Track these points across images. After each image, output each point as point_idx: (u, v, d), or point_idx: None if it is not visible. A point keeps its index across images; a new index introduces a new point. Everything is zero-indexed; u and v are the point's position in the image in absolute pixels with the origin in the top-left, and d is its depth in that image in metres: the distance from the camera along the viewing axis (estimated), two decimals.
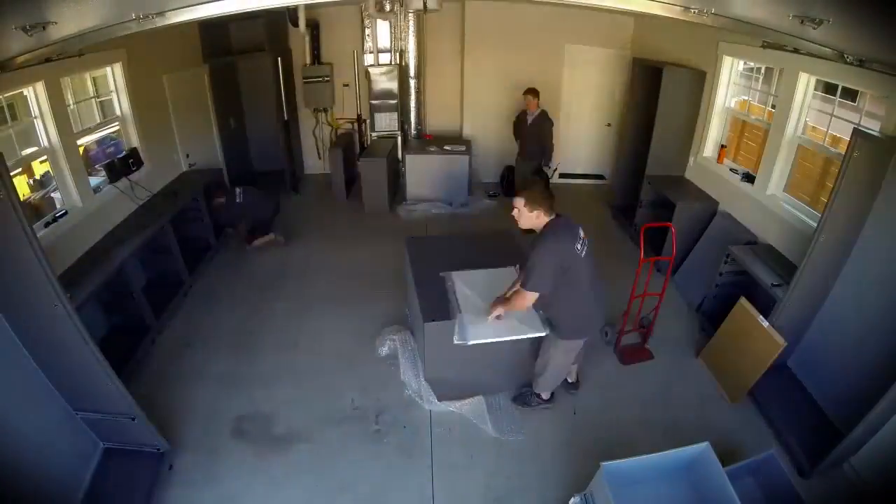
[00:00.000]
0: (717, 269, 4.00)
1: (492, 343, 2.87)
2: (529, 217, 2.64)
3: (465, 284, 3.20)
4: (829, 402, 3.14)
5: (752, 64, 4.38)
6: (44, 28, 2.24)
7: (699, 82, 4.78)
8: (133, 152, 4.33)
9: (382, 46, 6.20)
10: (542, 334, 2.91)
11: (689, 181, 5.08)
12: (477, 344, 2.83)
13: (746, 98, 4.56)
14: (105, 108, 4.29)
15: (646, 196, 5.22)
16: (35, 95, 3.33)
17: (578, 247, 2.65)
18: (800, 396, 3.29)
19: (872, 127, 3.07)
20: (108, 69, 4.12)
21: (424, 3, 2.67)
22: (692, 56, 4.87)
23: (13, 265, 2.22)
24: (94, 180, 4.00)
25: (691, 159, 5.04)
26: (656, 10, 2.47)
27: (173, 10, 2.30)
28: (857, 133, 2.74)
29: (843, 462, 2.85)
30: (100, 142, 4.30)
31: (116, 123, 4.32)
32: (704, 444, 2.48)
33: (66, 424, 2.67)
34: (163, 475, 2.82)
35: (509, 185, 6.58)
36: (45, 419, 2.58)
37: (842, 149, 3.27)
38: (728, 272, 3.95)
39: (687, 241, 4.57)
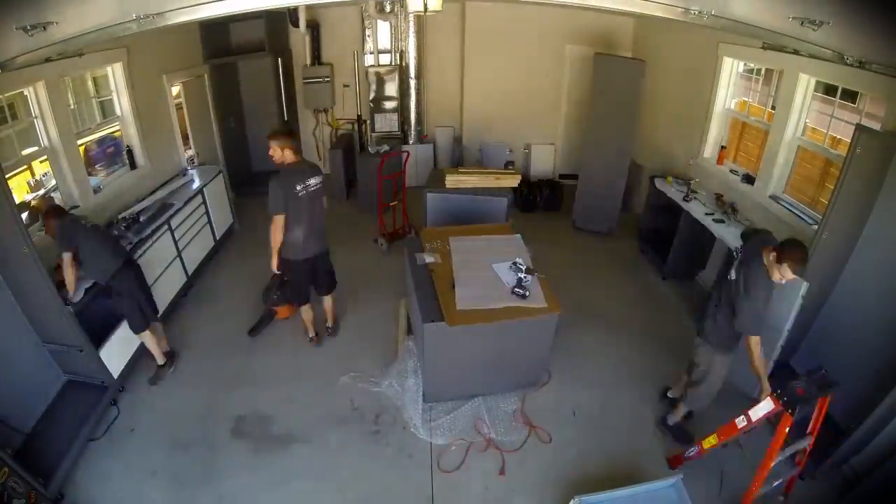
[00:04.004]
0: (719, 269, 3.99)
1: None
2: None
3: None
4: (834, 402, 3.12)
5: (751, 65, 4.38)
6: (44, 28, 2.25)
7: (699, 83, 4.76)
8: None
9: (383, 47, 6.21)
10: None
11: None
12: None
13: (746, 99, 4.56)
14: (105, 107, 4.29)
15: (651, 200, 5.06)
16: (35, 95, 3.33)
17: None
18: None
19: (873, 127, 3.06)
20: (109, 69, 4.13)
21: (425, 6, 2.66)
22: (694, 57, 4.86)
23: None
24: (94, 180, 4.01)
25: (695, 160, 4.99)
26: (656, 11, 2.47)
27: (173, 10, 2.30)
28: (860, 129, 2.72)
29: (844, 463, 2.84)
30: (100, 141, 4.30)
31: (117, 123, 4.32)
32: (675, 479, 2.47)
33: (34, 354, 3.06)
34: (104, 407, 3.18)
35: (525, 199, 5.94)
36: (17, 347, 2.96)
37: (842, 150, 3.26)
38: None
39: (690, 244, 4.56)
